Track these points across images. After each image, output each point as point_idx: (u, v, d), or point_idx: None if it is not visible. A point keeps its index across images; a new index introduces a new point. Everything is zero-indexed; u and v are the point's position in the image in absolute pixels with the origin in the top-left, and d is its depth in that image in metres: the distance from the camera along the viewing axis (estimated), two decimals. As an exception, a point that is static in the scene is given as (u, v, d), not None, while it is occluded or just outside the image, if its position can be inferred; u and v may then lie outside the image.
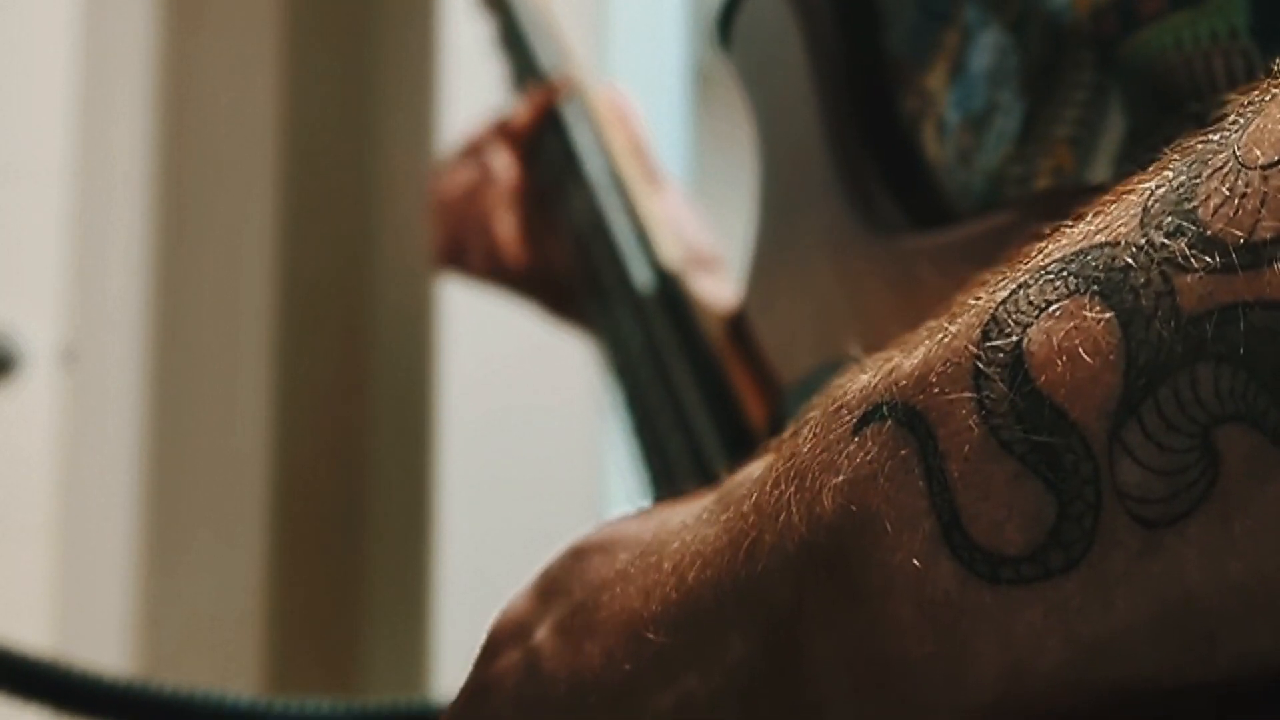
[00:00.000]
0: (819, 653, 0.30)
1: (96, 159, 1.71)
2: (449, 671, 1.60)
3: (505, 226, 0.88)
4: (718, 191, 1.56)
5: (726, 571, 0.32)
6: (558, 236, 0.86)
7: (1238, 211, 0.25)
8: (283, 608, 1.81)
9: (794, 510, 0.30)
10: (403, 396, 1.83)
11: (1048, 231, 0.29)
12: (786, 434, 0.32)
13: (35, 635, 1.52)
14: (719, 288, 0.78)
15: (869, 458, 0.29)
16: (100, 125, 1.72)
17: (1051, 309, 0.27)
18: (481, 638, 0.41)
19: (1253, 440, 0.24)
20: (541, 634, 0.37)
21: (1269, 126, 0.25)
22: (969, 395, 0.27)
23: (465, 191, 0.90)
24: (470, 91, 1.58)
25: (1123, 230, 0.27)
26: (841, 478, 0.29)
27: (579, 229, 0.82)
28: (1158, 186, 0.27)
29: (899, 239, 0.49)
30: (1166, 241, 0.26)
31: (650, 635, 0.33)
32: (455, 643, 1.60)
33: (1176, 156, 0.27)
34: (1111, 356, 0.25)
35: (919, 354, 0.29)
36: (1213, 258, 0.25)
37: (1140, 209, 0.27)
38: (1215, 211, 0.25)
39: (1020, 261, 0.28)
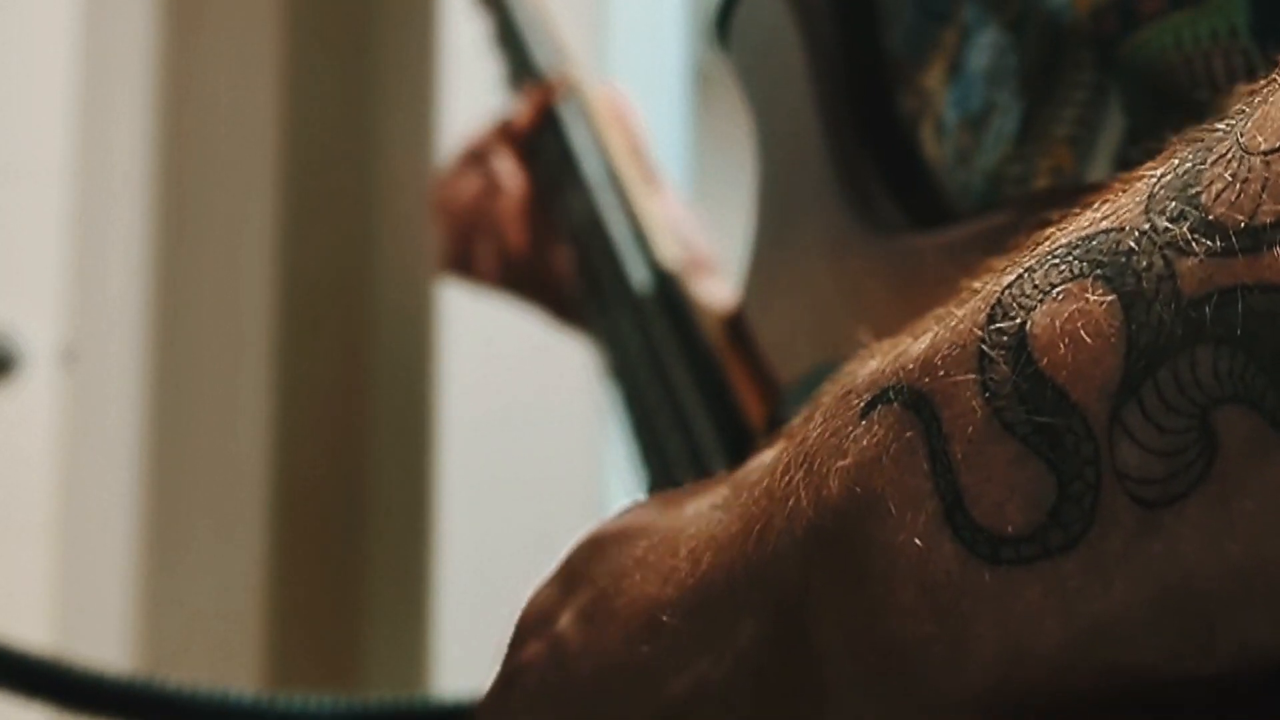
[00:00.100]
0: (826, 634, 0.30)
1: (96, 159, 1.71)
2: (449, 671, 1.60)
3: (513, 232, 0.89)
4: (718, 191, 1.56)
5: (738, 556, 0.32)
6: (560, 239, 0.87)
7: (1239, 196, 0.25)
8: (283, 607, 1.81)
9: (802, 494, 0.30)
10: (403, 397, 1.83)
11: (1057, 219, 0.29)
12: (798, 419, 0.33)
13: (35, 635, 1.52)
14: (717, 289, 0.78)
15: (874, 441, 0.29)
16: (100, 125, 1.72)
17: (1055, 292, 0.27)
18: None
19: (1251, 421, 0.24)
20: (565, 621, 0.38)
21: (1272, 114, 0.26)
22: (973, 377, 0.27)
23: (471, 198, 0.90)
24: (470, 92, 1.58)
25: (1128, 216, 0.27)
26: (848, 461, 0.29)
27: (577, 229, 0.82)
28: (1164, 174, 0.27)
29: (898, 239, 0.49)
30: (1169, 226, 0.26)
31: (667, 620, 0.34)
32: (455, 643, 1.60)
33: (1184, 145, 0.28)
34: (1113, 339, 0.26)
35: (926, 338, 0.29)
36: (1213, 241, 0.25)
37: (1145, 195, 0.27)
38: (1217, 196, 0.26)
39: (1028, 248, 0.29)
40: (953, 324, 0.29)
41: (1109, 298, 0.26)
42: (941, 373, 0.28)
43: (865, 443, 0.29)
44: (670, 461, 0.70)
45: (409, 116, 1.83)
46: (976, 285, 0.29)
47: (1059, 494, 0.26)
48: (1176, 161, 0.27)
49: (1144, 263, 0.26)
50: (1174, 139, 0.28)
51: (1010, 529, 0.27)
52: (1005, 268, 0.29)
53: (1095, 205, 0.28)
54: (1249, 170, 0.25)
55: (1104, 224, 0.27)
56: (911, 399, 0.28)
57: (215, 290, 1.86)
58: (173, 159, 1.83)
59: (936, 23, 0.51)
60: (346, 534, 1.86)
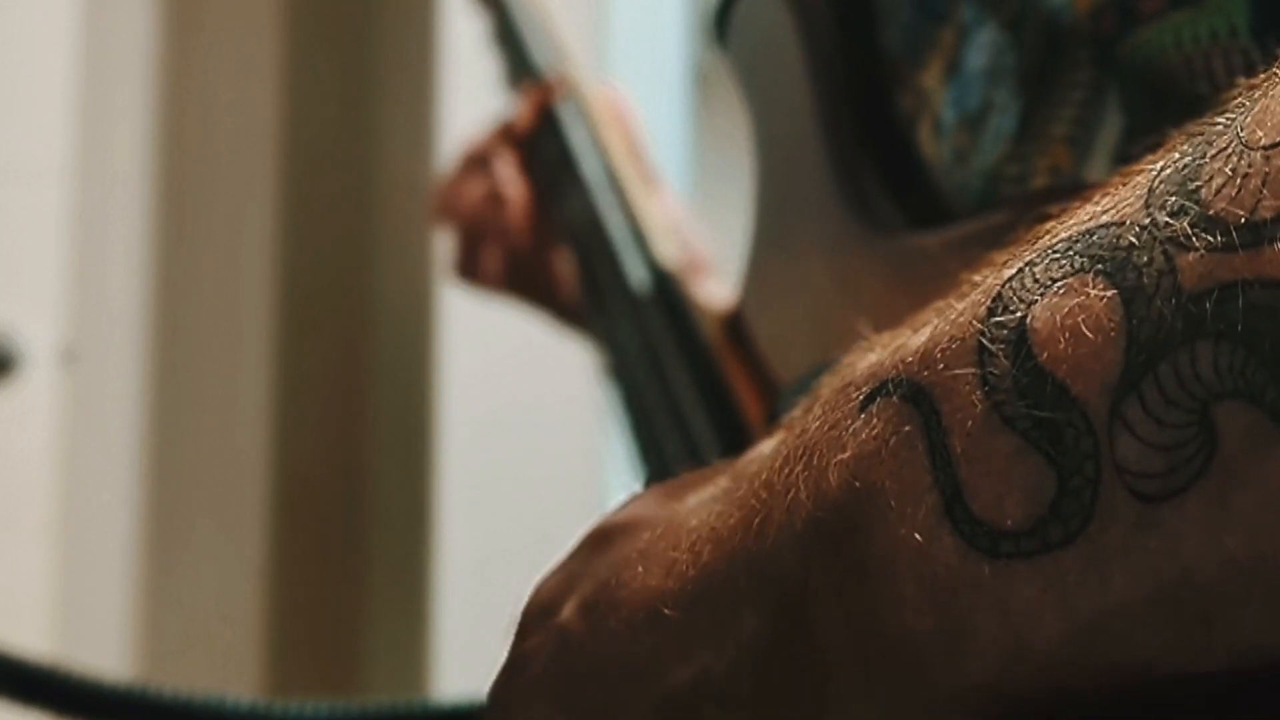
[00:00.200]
0: (826, 628, 0.30)
1: (96, 159, 1.71)
2: (449, 671, 1.60)
3: (516, 235, 0.89)
4: (718, 191, 1.56)
5: (739, 548, 0.32)
6: (559, 240, 0.87)
7: (1239, 191, 0.25)
8: (283, 608, 1.81)
9: (802, 487, 0.30)
10: (403, 397, 1.83)
11: (1057, 213, 0.29)
12: (798, 411, 0.33)
13: (35, 635, 1.52)
14: (716, 289, 0.78)
15: (874, 434, 0.29)
16: (100, 125, 1.72)
17: (1055, 287, 0.27)
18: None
19: (1251, 416, 0.24)
20: (567, 612, 0.38)
21: (1272, 108, 0.26)
22: (973, 371, 0.27)
23: (474, 203, 0.90)
24: (470, 92, 1.58)
25: (1128, 210, 0.27)
26: (847, 454, 0.29)
27: (576, 229, 0.82)
28: (1163, 168, 0.27)
29: (896, 238, 0.49)
30: (1169, 221, 0.26)
31: (668, 612, 0.34)
32: (455, 643, 1.60)
33: (1184, 139, 0.28)
34: (1113, 333, 0.26)
35: (926, 331, 0.29)
36: (1214, 236, 0.25)
37: (1146, 189, 0.27)
38: (1218, 191, 0.26)
39: (1029, 242, 0.29)
40: (953, 317, 0.29)
41: (1109, 292, 0.26)
42: (941, 366, 0.28)
43: (864, 436, 0.29)
44: (669, 461, 0.70)
45: (409, 116, 1.83)
46: (976, 279, 0.29)
47: (1058, 488, 0.26)
48: (1176, 156, 0.27)
49: (1144, 258, 0.26)
50: (1174, 133, 0.28)
51: (1009, 523, 0.27)
52: (1005, 261, 0.29)
53: (1095, 199, 0.28)
54: (1249, 165, 0.25)
55: (1104, 218, 0.27)
56: (911, 392, 0.28)
57: (215, 290, 1.86)
58: (173, 159, 1.83)
59: (934, 22, 0.51)
60: (346, 534, 1.86)
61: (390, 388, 1.88)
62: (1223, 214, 0.25)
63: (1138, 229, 0.26)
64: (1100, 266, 0.26)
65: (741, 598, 0.32)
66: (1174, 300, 0.25)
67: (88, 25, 1.69)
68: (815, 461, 0.30)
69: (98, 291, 1.72)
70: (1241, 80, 0.28)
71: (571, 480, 1.60)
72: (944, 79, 0.50)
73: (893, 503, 0.28)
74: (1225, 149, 0.26)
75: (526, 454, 1.63)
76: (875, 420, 0.29)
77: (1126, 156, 0.43)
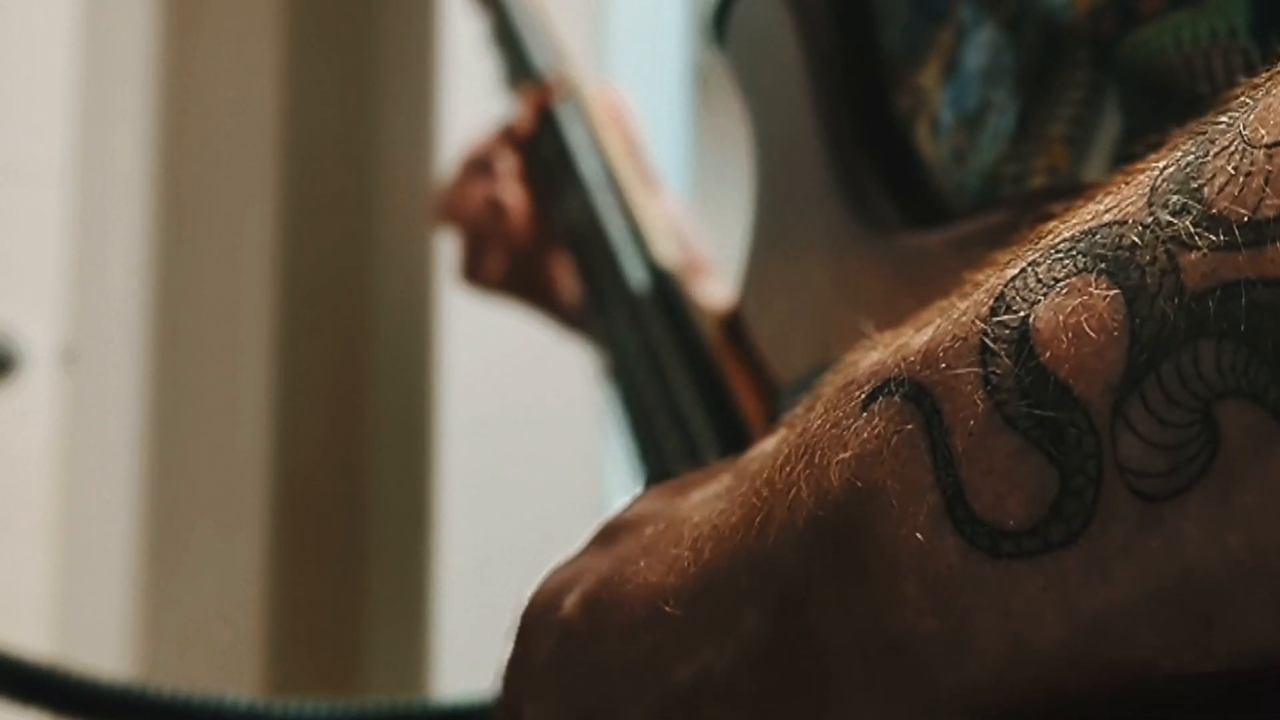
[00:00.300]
0: (828, 627, 0.30)
1: (96, 159, 1.71)
2: (449, 672, 1.60)
3: (516, 237, 0.89)
4: (718, 191, 1.56)
5: (740, 546, 0.32)
6: (559, 241, 0.87)
7: (1242, 190, 0.25)
8: (283, 608, 1.81)
9: (803, 486, 0.30)
10: (403, 397, 1.83)
11: (1059, 212, 0.29)
12: (799, 409, 0.33)
13: (35, 635, 1.52)
14: (715, 290, 0.78)
15: (875, 433, 0.29)
16: (100, 125, 1.72)
17: (1058, 286, 0.27)
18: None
19: (1253, 415, 0.24)
20: (570, 607, 0.38)
21: (1275, 106, 0.26)
22: (975, 370, 0.27)
23: (475, 206, 0.90)
24: (470, 92, 1.58)
25: (1131, 209, 0.27)
26: (848, 453, 0.29)
27: (575, 229, 0.82)
28: (1166, 166, 0.27)
29: (894, 238, 0.49)
30: (1172, 219, 0.26)
31: (669, 609, 0.34)
32: (455, 643, 1.60)
33: (1186, 138, 0.28)
34: (1115, 333, 0.26)
35: (928, 331, 0.29)
36: (1216, 235, 0.25)
37: (1148, 188, 0.27)
38: (1220, 190, 0.25)
39: (1032, 241, 0.29)
40: (955, 316, 0.29)
41: (1112, 292, 0.26)
42: (943, 365, 0.28)
43: (866, 435, 0.29)
44: (668, 461, 0.70)
45: (409, 117, 1.83)
46: (979, 278, 0.29)
47: (1060, 488, 0.26)
48: (1179, 154, 0.27)
49: (1147, 256, 0.26)
50: (1176, 132, 0.28)
51: (1011, 523, 0.27)
52: (1008, 261, 0.29)
53: (1098, 198, 0.28)
54: (1251, 163, 0.25)
55: (1107, 217, 0.27)
56: (913, 391, 0.28)
57: (215, 290, 1.86)
58: (173, 159, 1.83)
59: (933, 22, 0.51)
60: (346, 535, 1.86)
61: (390, 388, 1.87)
62: (1225, 213, 0.25)
63: (1140, 228, 0.26)
64: (1103, 266, 0.26)
65: (742, 596, 0.32)
66: (1176, 300, 0.25)
67: (88, 25, 1.69)
68: (817, 460, 0.30)
69: (98, 291, 1.72)
70: (1243, 79, 0.28)
71: (571, 480, 1.60)
72: (942, 79, 0.50)
73: (894, 502, 0.28)
74: (1228, 147, 0.26)
75: (526, 454, 1.63)
76: (877, 419, 0.29)
77: (1125, 157, 0.43)
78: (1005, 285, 0.28)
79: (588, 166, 0.83)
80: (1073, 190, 0.31)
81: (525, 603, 0.40)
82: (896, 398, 0.29)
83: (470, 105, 1.57)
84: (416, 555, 1.71)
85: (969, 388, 0.27)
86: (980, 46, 0.48)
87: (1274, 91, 0.26)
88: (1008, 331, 0.27)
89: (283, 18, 1.89)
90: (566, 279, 0.88)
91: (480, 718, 0.65)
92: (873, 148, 0.52)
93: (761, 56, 0.58)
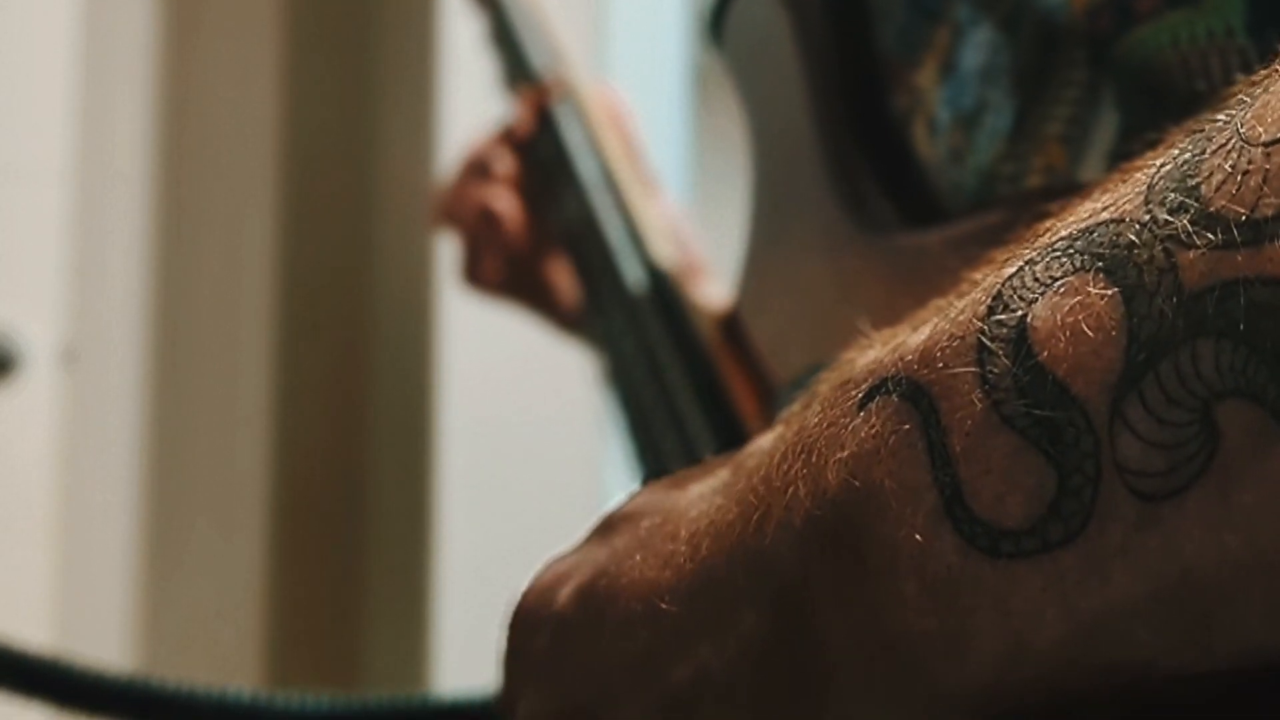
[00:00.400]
0: (827, 627, 0.30)
1: (96, 159, 1.71)
2: (449, 671, 1.60)
3: (514, 239, 0.89)
4: (718, 191, 1.56)
5: (737, 544, 0.32)
6: (556, 242, 0.87)
7: (1240, 188, 0.25)
8: (282, 607, 1.81)
9: (800, 485, 0.30)
10: (403, 397, 1.83)
11: (1057, 211, 0.29)
12: (796, 406, 0.33)
13: (35, 634, 1.52)
14: (713, 292, 0.78)
15: (873, 432, 0.29)
16: (100, 125, 1.72)
17: (1056, 285, 0.27)
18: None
19: (1252, 415, 0.24)
20: (564, 600, 0.38)
21: (1272, 104, 0.26)
22: (972, 370, 0.27)
23: (474, 208, 0.90)
24: (470, 92, 1.58)
25: (1128, 207, 0.27)
26: (846, 452, 0.29)
27: (572, 230, 0.82)
28: (1163, 164, 0.27)
29: (891, 237, 0.49)
30: (1169, 218, 0.26)
31: (665, 606, 0.34)
32: (455, 642, 1.60)
33: (1184, 136, 0.28)
34: (1114, 332, 0.26)
35: (925, 330, 0.29)
36: (1214, 234, 0.25)
37: (1146, 186, 0.27)
38: (1218, 188, 0.25)
39: (1029, 240, 0.29)
40: (953, 315, 0.29)
41: (1110, 291, 0.26)
42: (940, 364, 0.28)
43: (864, 434, 0.29)
44: (666, 461, 0.70)
45: (409, 117, 1.83)
46: (977, 277, 0.29)
47: (1059, 487, 0.26)
48: (1176, 152, 0.27)
49: (1145, 255, 0.26)
50: (1173, 130, 0.28)
51: (1010, 522, 0.27)
52: (1006, 260, 0.29)
53: (1095, 196, 0.28)
54: (1249, 162, 0.25)
55: (1104, 215, 0.27)
56: (910, 391, 0.28)
57: (215, 290, 1.86)
58: (173, 159, 1.83)
59: (929, 21, 0.51)
60: (346, 534, 1.86)
61: (390, 388, 1.87)
62: (1223, 211, 0.25)
63: (1138, 226, 0.26)
64: (1100, 264, 0.26)
65: (740, 595, 0.32)
66: (1175, 298, 0.25)
67: (88, 25, 1.69)
68: (814, 459, 0.30)
69: (98, 291, 1.72)
70: (1241, 78, 0.28)
71: (571, 480, 1.60)
72: (939, 78, 0.50)
73: (892, 502, 0.28)
74: (1225, 145, 0.26)
75: (526, 454, 1.63)
76: (874, 418, 0.29)
77: (1122, 156, 0.43)
78: (1003, 284, 0.28)
79: (585, 167, 0.83)
80: (1069, 190, 0.31)
81: (520, 595, 0.40)
82: (894, 397, 0.29)
83: (470, 106, 1.57)
84: (416, 555, 1.71)
85: (966, 387, 0.27)
86: (977, 46, 0.48)
87: (1271, 89, 0.26)
88: (1005, 330, 0.27)
89: (283, 18, 1.89)
90: (564, 282, 0.88)
91: (480, 714, 0.65)
92: (870, 147, 0.52)
93: (758, 56, 0.58)
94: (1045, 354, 0.26)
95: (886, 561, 0.28)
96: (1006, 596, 0.27)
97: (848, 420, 0.30)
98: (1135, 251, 0.26)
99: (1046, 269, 0.27)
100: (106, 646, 1.67)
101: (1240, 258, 0.25)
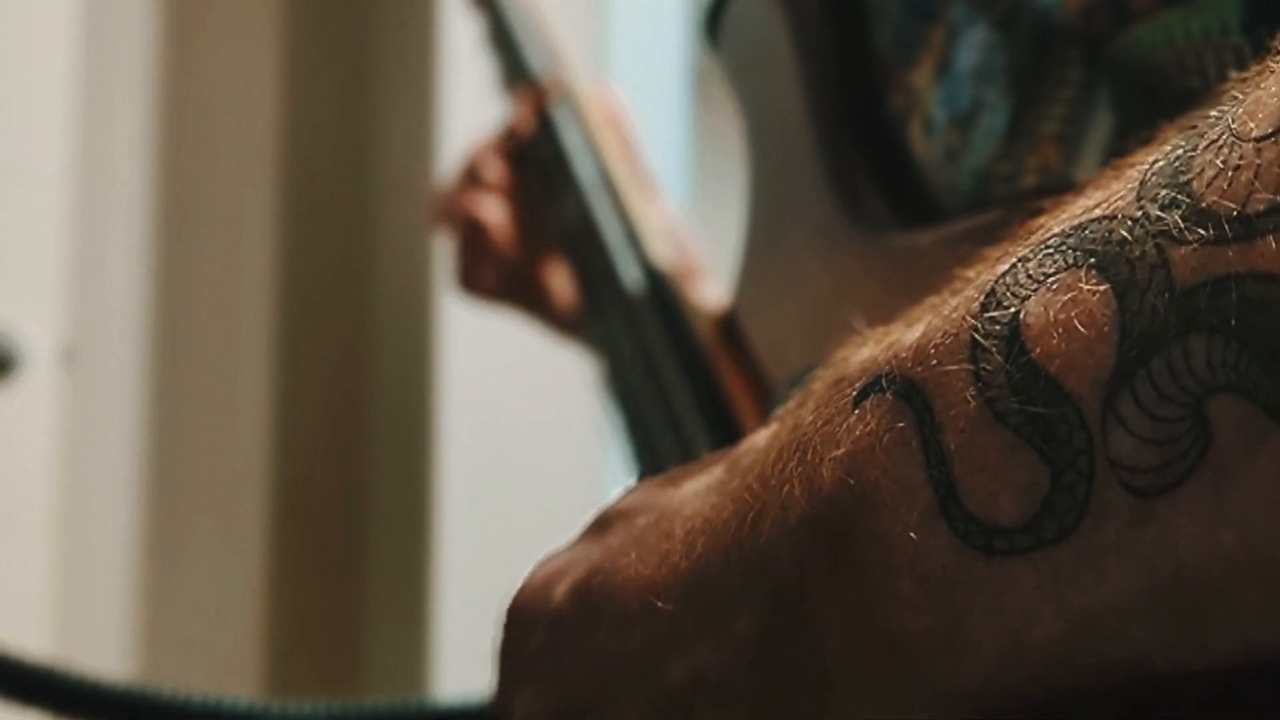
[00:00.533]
0: (824, 625, 0.30)
1: (96, 159, 1.71)
2: (448, 675, 1.60)
3: (507, 243, 0.89)
4: (717, 191, 1.56)
5: (733, 542, 0.32)
6: (554, 245, 0.87)
7: (1231, 184, 0.25)
8: (283, 608, 1.81)
9: (795, 483, 0.30)
10: (403, 396, 1.83)
11: (1050, 208, 0.29)
12: (791, 404, 0.33)
13: (35, 635, 1.52)
14: (711, 293, 0.78)
15: (867, 430, 0.29)
16: (100, 125, 1.72)
17: (1049, 282, 0.27)
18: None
19: (1244, 410, 0.24)
20: (560, 597, 0.38)
21: (1264, 99, 0.26)
22: (966, 367, 0.27)
23: (469, 212, 0.90)
24: (470, 93, 1.58)
25: (1120, 204, 0.27)
26: (841, 450, 0.29)
27: (570, 232, 0.82)
28: (1155, 160, 0.27)
29: (888, 237, 0.49)
30: (1161, 214, 0.26)
31: (661, 604, 0.34)
32: (455, 643, 1.60)
33: (1177, 132, 0.28)
34: (1106, 328, 0.26)
35: (919, 327, 0.29)
36: (1206, 230, 0.25)
37: (1138, 182, 0.27)
38: (1209, 184, 0.25)
39: (1022, 237, 0.29)
40: (946, 313, 0.29)
41: (1102, 287, 0.26)
42: (934, 362, 0.28)
43: (858, 432, 0.29)
44: (663, 461, 0.70)
45: (409, 118, 1.83)
46: (970, 274, 0.29)
47: (1052, 484, 0.26)
48: (1169, 148, 0.27)
49: (1137, 251, 0.26)
50: (1166, 127, 0.28)
51: (1004, 520, 0.27)
52: (999, 257, 0.29)
53: (1088, 193, 0.28)
54: (1241, 157, 0.25)
55: (1096, 212, 0.27)
56: (904, 388, 0.28)
57: (215, 290, 1.86)
58: (173, 159, 1.83)
59: (925, 21, 0.50)
60: (346, 534, 1.86)
61: (390, 388, 1.87)
62: (1214, 206, 0.25)
63: (1130, 222, 0.26)
64: (1093, 261, 0.26)
65: (736, 593, 0.32)
66: (1167, 294, 0.25)
67: (88, 25, 1.69)
68: (809, 457, 0.30)
69: (98, 291, 1.72)
70: (1234, 75, 0.28)
71: (571, 479, 1.60)
72: (935, 78, 0.50)
73: (887, 500, 0.28)
74: (1217, 141, 0.26)
75: (526, 454, 1.63)
76: (869, 416, 0.29)
77: (1117, 155, 0.43)
78: (996, 281, 0.28)
79: (583, 168, 0.83)
80: (1064, 189, 0.31)
81: (515, 592, 0.40)
82: (888, 395, 0.29)
83: (469, 106, 1.57)
84: (416, 555, 1.71)
85: (960, 384, 0.27)
86: (972, 46, 0.48)
87: (1262, 85, 0.26)
88: (998, 328, 0.27)
89: (283, 18, 1.89)
90: (561, 286, 0.88)
91: (480, 718, 0.65)
92: (866, 147, 0.52)
93: (755, 56, 0.58)
94: (1038, 351, 0.26)
95: (881, 560, 0.28)
96: (1001, 594, 0.27)
97: (842, 418, 0.30)
98: (1127, 248, 0.26)
99: (1039, 266, 0.27)
100: (106, 647, 1.67)
101: (1231, 253, 0.25)
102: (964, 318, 0.28)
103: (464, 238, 0.91)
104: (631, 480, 0.75)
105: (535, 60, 0.88)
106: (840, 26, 0.53)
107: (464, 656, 1.59)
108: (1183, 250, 0.25)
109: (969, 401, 0.27)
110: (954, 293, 0.29)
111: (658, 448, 0.71)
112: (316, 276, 1.89)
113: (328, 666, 1.84)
